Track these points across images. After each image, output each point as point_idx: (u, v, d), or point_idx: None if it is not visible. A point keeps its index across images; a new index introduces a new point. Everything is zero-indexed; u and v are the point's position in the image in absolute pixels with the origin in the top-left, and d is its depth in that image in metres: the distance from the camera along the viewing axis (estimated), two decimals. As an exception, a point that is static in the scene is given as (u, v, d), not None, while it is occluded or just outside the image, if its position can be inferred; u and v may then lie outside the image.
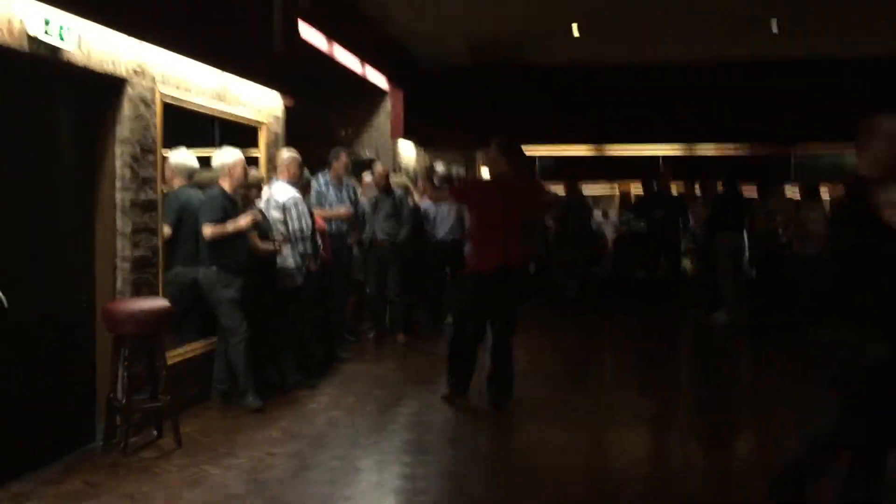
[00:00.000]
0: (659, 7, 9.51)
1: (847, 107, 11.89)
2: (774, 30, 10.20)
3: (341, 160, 7.71)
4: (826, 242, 9.61)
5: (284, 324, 6.27)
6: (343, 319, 8.00)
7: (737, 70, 12.45)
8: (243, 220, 5.62)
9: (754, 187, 10.44)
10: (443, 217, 8.99)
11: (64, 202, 4.74)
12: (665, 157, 13.64)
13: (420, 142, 12.91)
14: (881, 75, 12.08)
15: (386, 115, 11.53)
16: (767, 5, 9.61)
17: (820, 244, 9.68)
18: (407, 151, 12.34)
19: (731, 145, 13.39)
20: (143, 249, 5.12)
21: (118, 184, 4.94)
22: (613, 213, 14.49)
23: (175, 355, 5.48)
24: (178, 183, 5.77)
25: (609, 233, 12.33)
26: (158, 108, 5.24)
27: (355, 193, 8.01)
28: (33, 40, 4.06)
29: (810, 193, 9.73)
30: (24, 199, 4.38)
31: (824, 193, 10.17)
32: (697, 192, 10.95)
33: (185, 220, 5.69)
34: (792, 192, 11.11)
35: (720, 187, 10.25)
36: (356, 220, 7.94)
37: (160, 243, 5.34)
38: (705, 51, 11.96)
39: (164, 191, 5.53)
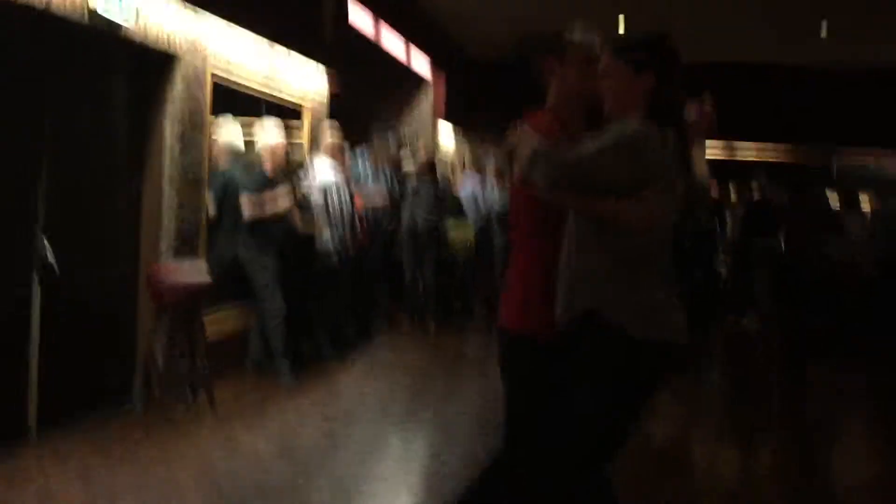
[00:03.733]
0: (706, 6, 9.48)
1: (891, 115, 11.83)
2: (823, 34, 10.11)
3: (383, 148, 7.82)
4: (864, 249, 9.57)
5: (320, 302, 6.43)
6: (376, 302, 8.12)
7: (783, 71, 12.35)
8: (282, 204, 5.78)
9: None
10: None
11: (114, 173, 4.94)
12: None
13: (461, 128, 12.94)
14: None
15: (428, 98, 11.58)
16: (817, 7, 9.53)
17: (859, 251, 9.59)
18: (447, 137, 12.38)
19: (770, 148, 13.28)
20: (187, 223, 5.30)
21: (167, 159, 5.13)
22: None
23: (211, 322, 5.66)
24: (223, 161, 5.93)
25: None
26: (208, 87, 5.41)
27: (393, 179, 8.10)
28: (93, 13, 4.23)
29: (850, 201, 9.65)
30: (77, 169, 4.58)
31: (864, 202, 10.08)
32: (733, 196, 10.89)
33: (228, 200, 5.81)
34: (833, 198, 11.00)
35: (757, 192, 10.17)
36: (392, 206, 8.06)
37: (204, 217, 5.52)
38: (752, 51, 11.88)
39: (211, 169, 5.71)
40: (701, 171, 2.58)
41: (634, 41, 2.43)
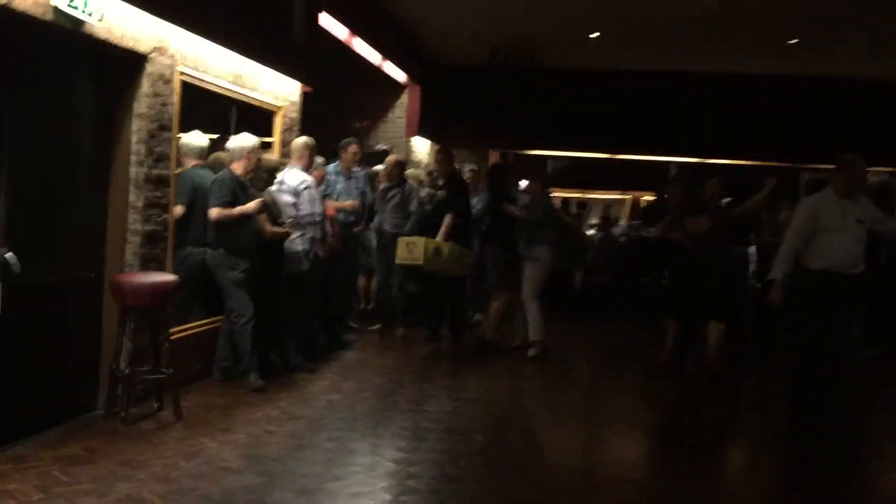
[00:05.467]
0: (679, 19, 9.53)
1: (859, 129, 11.95)
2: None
3: (350, 151, 7.77)
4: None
5: (289, 306, 6.34)
6: (348, 307, 8.06)
7: (754, 85, 12.45)
8: (251, 205, 5.69)
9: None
10: None
11: (79, 173, 4.83)
12: (676, 167, 13.71)
13: (434, 138, 12.98)
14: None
15: (402, 109, 11.60)
16: (786, 23, 9.63)
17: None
18: (420, 146, 12.41)
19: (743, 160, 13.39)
20: (153, 224, 5.20)
21: (133, 158, 5.03)
22: (623, 220, 14.59)
23: (179, 331, 5.57)
24: (190, 163, 5.85)
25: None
26: (177, 86, 5.31)
27: (364, 183, 8.05)
28: (57, 11, 4.13)
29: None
30: (40, 168, 4.47)
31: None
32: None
33: (198, 201, 5.77)
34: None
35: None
36: (364, 211, 7.99)
37: (171, 219, 5.42)
38: (724, 64, 11.98)
39: (178, 171, 5.62)
40: None
41: None
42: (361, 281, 9.12)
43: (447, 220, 7.70)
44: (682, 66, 12.27)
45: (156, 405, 5.13)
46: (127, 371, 4.80)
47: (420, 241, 7.41)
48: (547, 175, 11.70)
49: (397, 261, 7.63)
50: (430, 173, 9.63)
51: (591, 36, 10.68)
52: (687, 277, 7.45)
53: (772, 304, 5.75)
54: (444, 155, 8.24)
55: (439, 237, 7.60)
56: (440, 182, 8.07)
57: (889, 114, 12.07)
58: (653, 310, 10.30)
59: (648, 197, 13.24)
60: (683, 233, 7.44)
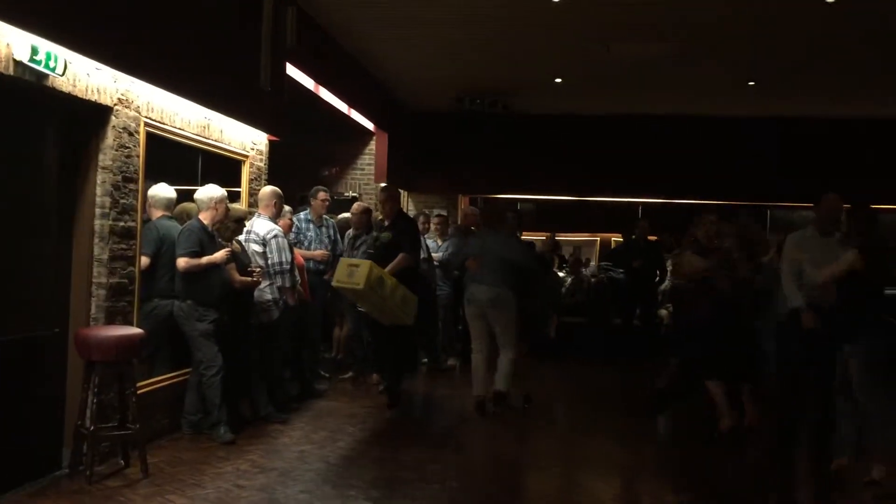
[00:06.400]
0: (637, 63, 9.72)
1: (824, 167, 12.21)
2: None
3: (319, 198, 7.82)
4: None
5: (259, 356, 6.27)
6: (318, 356, 7.98)
7: (719, 125, 12.69)
8: (218, 255, 5.65)
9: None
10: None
11: (43, 226, 4.77)
12: (644, 208, 13.88)
13: (403, 184, 13.03)
14: (859, 137, 12.37)
15: (370, 157, 11.64)
16: (746, 66, 9.85)
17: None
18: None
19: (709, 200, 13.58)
20: (119, 277, 5.13)
21: (97, 211, 4.98)
22: (593, 262, 14.67)
23: (146, 385, 5.46)
24: (157, 214, 5.80)
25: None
26: (142, 138, 5.29)
27: (335, 231, 8.06)
28: (19, 65, 4.11)
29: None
30: (1, 222, 4.40)
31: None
32: (672, 242, 11.07)
33: (164, 252, 5.70)
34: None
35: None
36: (334, 259, 7.95)
37: (137, 272, 5.35)
38: (687, 106, 12.22)
39: (144, 220, 5.57)
40: None
41: None
42: (336, 330, 9.01)
43: (400, 257, 6.94)
44: (646, 109, 12.50)
45: (122, 462, 5.01)
46: (92, 428, 4.68)
47: (364, 264, 6.51)
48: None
49: (334, 283, 6.81)
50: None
51: (556, 81, 10.87)
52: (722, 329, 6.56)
53: (809, 328, 5.76)
54: (386, 194, 7.48)
55: (388, 270, 6.75)
56: (385, 223, 7.35)
57: (852, 150, 12.36)
58: (626, 351, 10.38)
59: (617, 238, 13.35)
60: (730, 279, 6.60)
